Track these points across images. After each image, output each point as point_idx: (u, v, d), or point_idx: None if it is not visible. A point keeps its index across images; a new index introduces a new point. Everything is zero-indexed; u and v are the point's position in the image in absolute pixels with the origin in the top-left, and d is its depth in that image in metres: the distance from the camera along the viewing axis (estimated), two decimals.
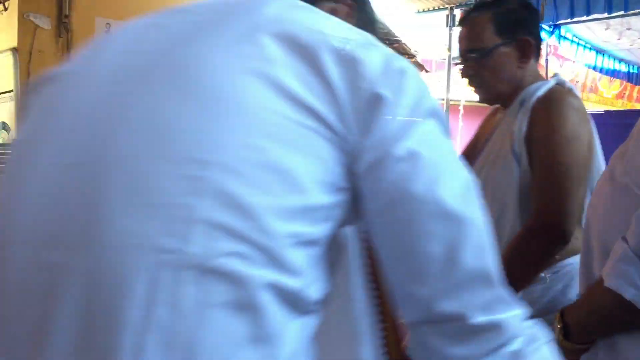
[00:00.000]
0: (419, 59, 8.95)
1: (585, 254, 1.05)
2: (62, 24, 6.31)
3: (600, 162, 1.61)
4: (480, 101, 1.71)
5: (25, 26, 6.20)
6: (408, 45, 8.84)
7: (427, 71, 9.01)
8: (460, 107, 8.02)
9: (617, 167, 0.96)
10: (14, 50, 6.16)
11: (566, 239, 1.43)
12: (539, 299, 1.51)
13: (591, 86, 9.68)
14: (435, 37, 8.31)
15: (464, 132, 8.59)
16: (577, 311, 0.99)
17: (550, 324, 1.07)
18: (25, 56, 6.13)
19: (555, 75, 1.67)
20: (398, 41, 8.78)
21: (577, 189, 1.48)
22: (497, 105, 1.84)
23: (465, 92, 8.38)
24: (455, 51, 8.54)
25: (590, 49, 8.29)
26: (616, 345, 0.96)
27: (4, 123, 6.50)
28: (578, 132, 1.49)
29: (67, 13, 6.35)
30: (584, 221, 1.44)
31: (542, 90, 1.57)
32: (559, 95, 1.54)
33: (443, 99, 7.48)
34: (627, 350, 0.94)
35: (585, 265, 1.04)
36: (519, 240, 1.46)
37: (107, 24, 6.69)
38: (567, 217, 1.42)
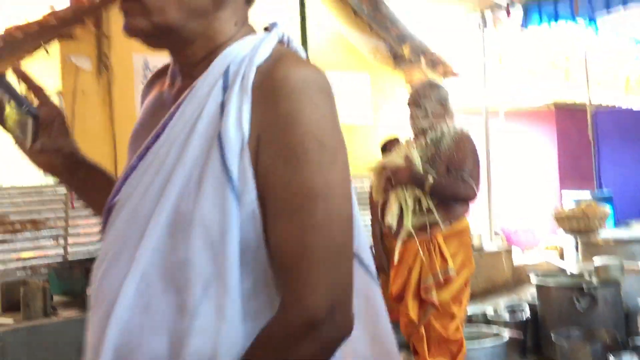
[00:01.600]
0: (453, 66, 8.87)
1: None
2: (102, 63, 6.51)
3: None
4: (130, 34, 0.89)
5: (68, 68, 6.41)
6: (441, 53, 8.77)
7: (461, 77, 8.91)
8: (501, 113, 7.88)
9: None
10: (59, 93, 6.39)
11: (348, 331, 0.82)
12: None
13: (635, 78, 9.39)
14: (468, 43, 8.23)
15: (505, 137, 8.45)
16: None
17: None
18: (69, 98, 6.33)
19: (273, 25, 0.93)
20: (430, 51, 8.74)
21: (349, 242, 0.83)
22: (160, 70, 1.04)
23: (506, 96, 8.26)
24: (490, 56, 8.32)
25: (631, 39, 8.05)
26: None
27: None
28: (336, 133, 0.83)
29: (106, 52, 6.55)
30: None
31: (263, 54, 0.85)
32: (294, 66, 0.83)
33: (481, 105, 7.37)
34: None
35: None
36: (266, 344, 0.80)
37: (145, 60, 6.88)
38: (346, 300, 0.81)
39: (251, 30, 0.93)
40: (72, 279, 4.51)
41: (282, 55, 0.85)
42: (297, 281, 0.78)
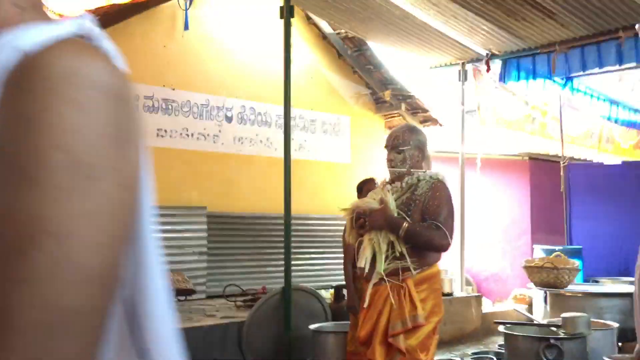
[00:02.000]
0: (432, 113, 9.04)
1: None
2: None
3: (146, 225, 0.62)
4: None
5: None
6: (421, 100, 8.94)
7: (440, 125, 9.07)
8: (478, 161, 8.00)
9: None
10: None
11: None
12: None
13: (608, 137, 9.65)
14: (448, 92, 8.41)
15: (480, 186, 8.56)
16: None
17: None
18: None
19: (80, 16, 0.63)
20: (411, 97, 8.90)
21: (92, 309, 0.52)
22: None
23: (482, 146, 8.41)
24: (469, 105, 8.50)
25: (605, 100, 8.31)
26: None
27: None
28: (108, 150, 0.54)
29: None
30: None
31: (33, 38, 0.55)
32: (68, 53, 0.55)
33: (457, 152, 7.50)
34: None
35: None
36: None
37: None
38: None
39: (46, 19, 0.61)
40: None
41: (62, 42, 0.55)
42: None
